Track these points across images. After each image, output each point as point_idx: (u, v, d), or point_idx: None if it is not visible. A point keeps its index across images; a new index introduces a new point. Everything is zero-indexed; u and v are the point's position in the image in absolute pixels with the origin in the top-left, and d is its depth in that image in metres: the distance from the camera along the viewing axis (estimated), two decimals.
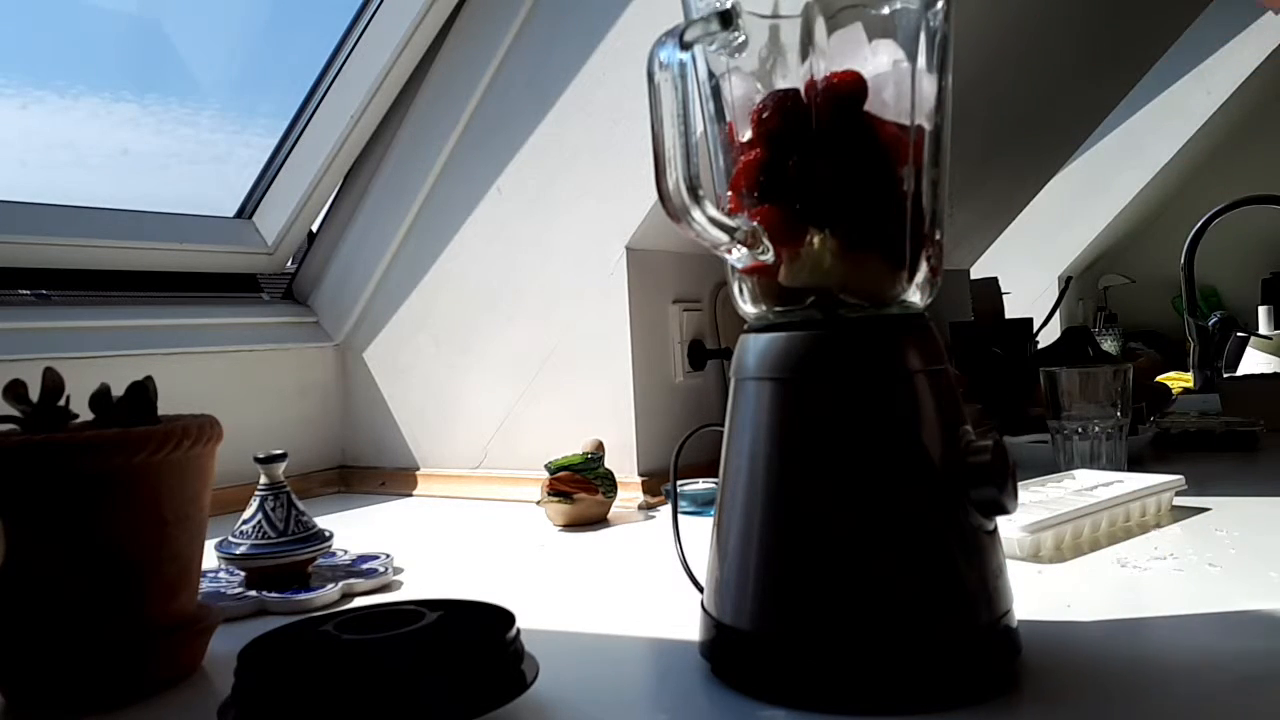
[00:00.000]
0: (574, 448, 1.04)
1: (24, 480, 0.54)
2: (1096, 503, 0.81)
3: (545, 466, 1.01)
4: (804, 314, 0.54)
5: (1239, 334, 1.41)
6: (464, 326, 1.29)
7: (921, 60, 0.53)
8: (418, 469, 1.33)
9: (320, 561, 0.82)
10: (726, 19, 0.50)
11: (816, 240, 0.52)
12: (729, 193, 0.55)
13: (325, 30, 1.30)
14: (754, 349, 0.54)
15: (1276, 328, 2.20)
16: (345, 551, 0.87)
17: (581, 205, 1.18)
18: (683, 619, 0.59)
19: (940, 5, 0.53)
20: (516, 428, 1.25)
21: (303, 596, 0.75)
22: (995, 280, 1.81)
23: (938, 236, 0.55)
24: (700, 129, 0.54)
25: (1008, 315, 1.78)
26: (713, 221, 0.50)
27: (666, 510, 0.79)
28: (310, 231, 1.44)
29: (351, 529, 1.05)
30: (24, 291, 1.15)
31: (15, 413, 0.58)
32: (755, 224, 0.52)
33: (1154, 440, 1.25)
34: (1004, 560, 0.53)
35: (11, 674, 0.55)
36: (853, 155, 0.53)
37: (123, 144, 1.31)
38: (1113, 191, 2.73)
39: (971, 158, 1.66)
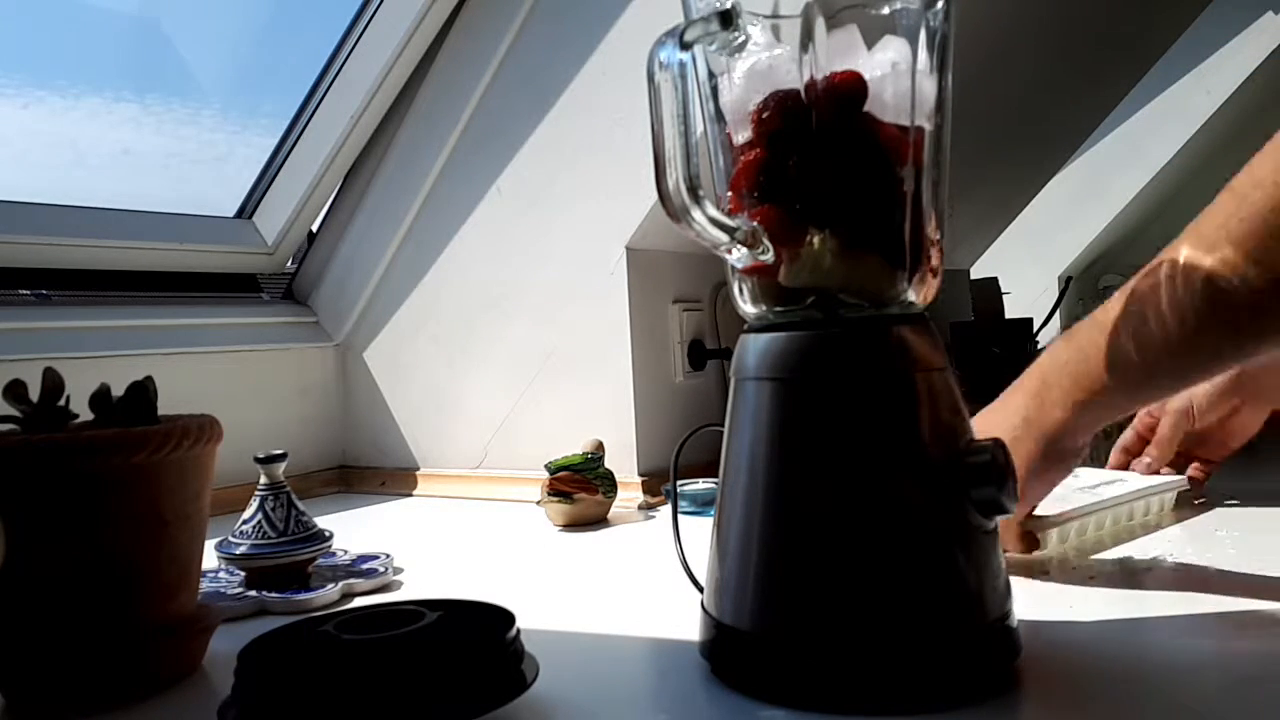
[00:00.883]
0: (574, 448, 1.04)
1: (24, 480, 0.54)
2: (1097, 501, 0.81)
3: (545, 466, 1.01)
4: (804, 314, 0.54)
5: None
6: (464, 326, 1.29)
7: (922, 60, 0.53)
8: (418, 469, 1.33)
9: (320, 561, 0.82)
10: (726, 19, 0.50)
11: (817, 240, 0.52)
12: (729, 193, 0.55)
13: (326, 29, 1.30)
14: (754, 349, 0.54)
15: None
16: (345, 551, 0.87)
17: (581, 205, 1.18)
18: (683, 619, 0.59)
19: (940, 5, 0.53)
20: (516, 428, 1.25)
21: (303, 596, 0.75)
22: (995, 280, 1.81)
23: (938, 236, 0.55)
24: (700, 129, 0.54)
25: (1008, 315, 1.78)
26: (713, 221, 0.50)
27: (666, 510, 0.79)
28: (310, 231, 1.44)
29: (351, 529, 1.05)
30: (24, 291, 1.15)
31: (15, 413, 0.58)
32: (755, 224, 0.52)
33: None
34: (1003, 560, 0.53)
35: (11, 674, 0.55)
36: (853, 155, 0.53)
37: (123, 144, 1.31)
38: (1113, 191, 2.72)
39: (972, 158, 1.66)
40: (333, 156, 1.32)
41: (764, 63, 0.53)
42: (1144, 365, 0.59)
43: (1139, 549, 0.77)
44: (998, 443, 0.51)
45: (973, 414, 0.56)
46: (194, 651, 0.61)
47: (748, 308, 0.56)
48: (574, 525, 0.99)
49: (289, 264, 1.46)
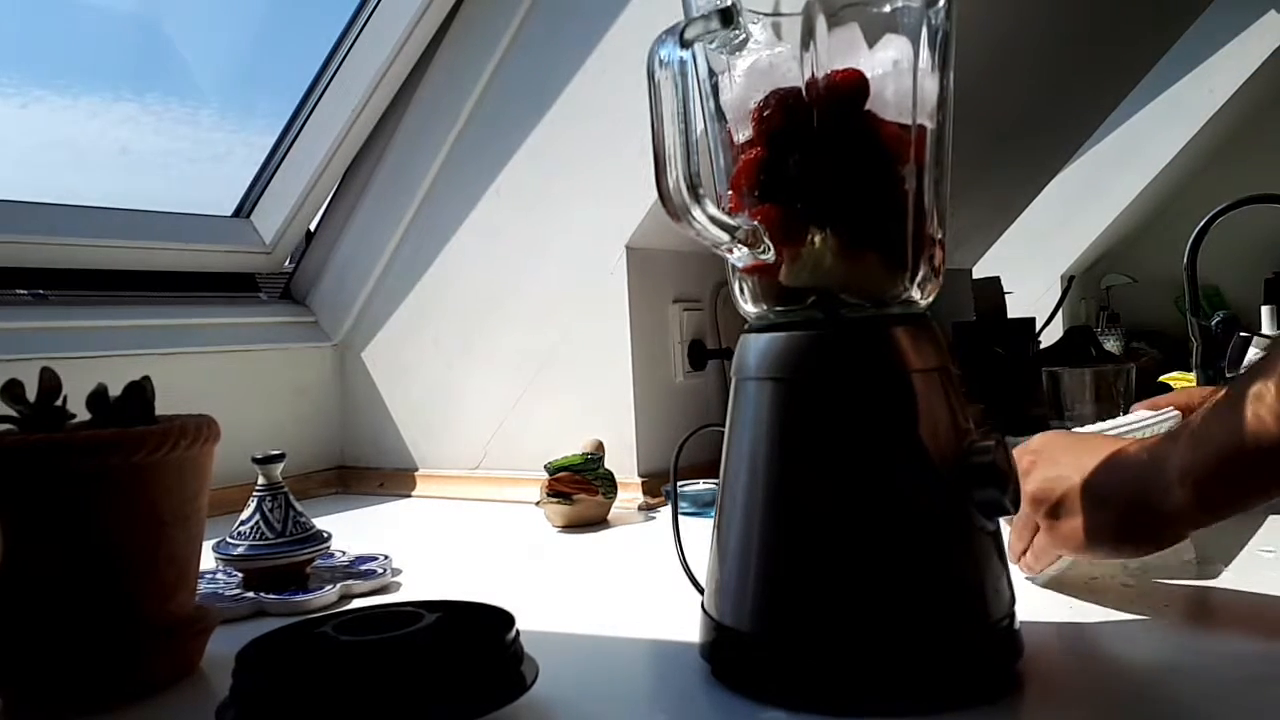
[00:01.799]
0: (574, 448, 1.04)
1: (21, 480, 0.54)
2: None
3: (545, 467, 1.01)
4: (805, 314, 0.53)
5: (1242, 334, 1.40)
6: (463, 326, 1.29)
7: (923, 58, 0.52)
8: (417, 469, 1.33)
9: (318, 562, 0.82)
10: (727, 17, 0.50)
11: (817, 239, 0.52)
12: (729, 192, 0.55)
13: (324, 28, 1.30)
14: (755, 349, 0.53)
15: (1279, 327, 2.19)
16: (344, 552, 0.86)
17: (581, 205, 1.17)
18: (683, 620, 0.59)
19: (942, 3, 0.53)
20: (516, 428, 1.24)
21: (301, 598, 0.75)
22: (997, 280, 1.80)
23: (939, 236, 0.55)
24: (701, 127, 0.54)
25: (1010, 315, 1.78)
26: (713, 221, 0.50)
27: (667, 511, 0.79)
28: (308, 230, 1.43)
29: (350, 530, 1.04)
30: (21, 291, 1.15)
31: (12, 413, 0.58)
32: (756, 223, 0.51)
33: None
34: (1006, 561, 0.53)
35: (9, 674, 0.55)
36: (854, 154, 0.52)
37: (122, 143, 1.30)
38: (1115, 191, 2.72)
39: (974, 157, 1.66)
40: (331, 155, 1.32)
41: (765, 61, 0.52)
42: None
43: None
44: (999, 443, 0.51)
45: (975, 414, 0.56)
46: (192, 653, 0.60)
47: (748, 307, 0.56)
48: (574, 526, 0.99)
49: (287, 263, 1.46)
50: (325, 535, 0.81)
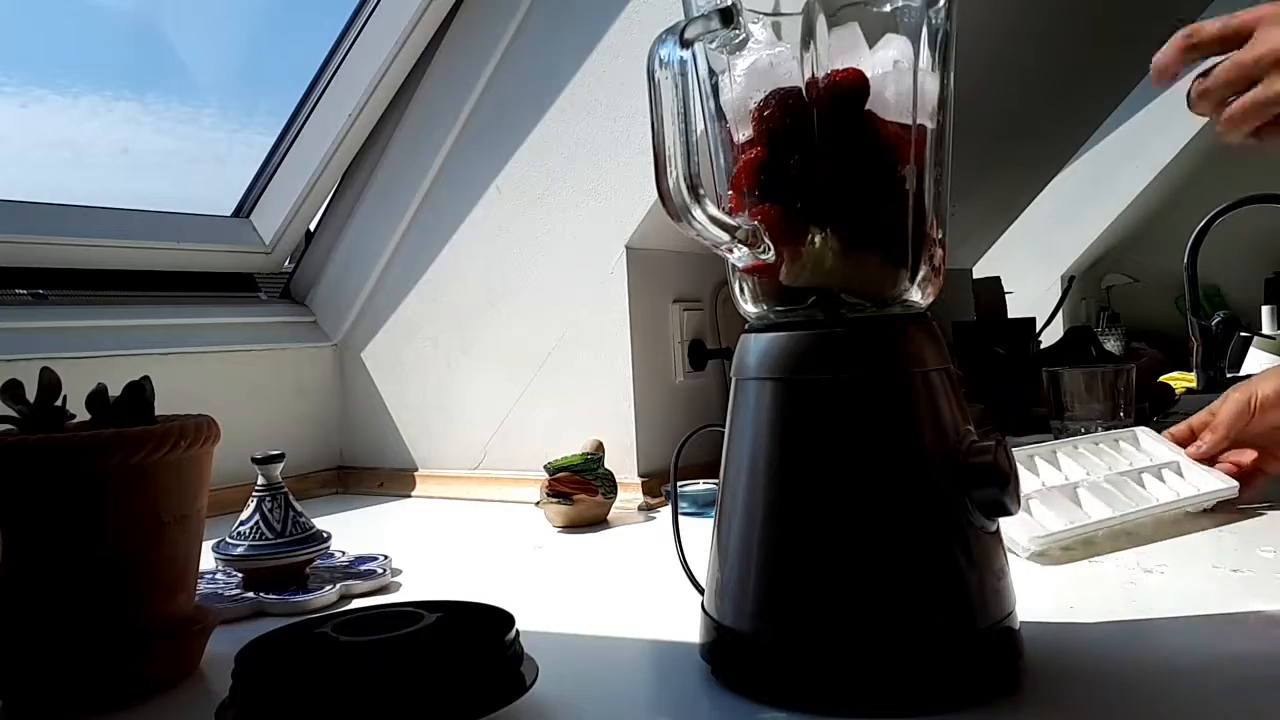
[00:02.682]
0: (574, 448, 1.04)
1: (21, 481, 0.54)
2: (1117, 516, 0.78)
3: (545, 467, 1.01)
4: (805, 313, 0.53)
5: (1242, 334, 1.40)
6: (463, 326, 1.29)
7: (924, 58, 0.52)
8: (416, 470, 1.33)
9: (318, 563, 0.82)
10: (727, 16, 0.50)
11: (818, 239, 0.52)
12: (729, 191, 0.55)
13: (324, 27, 1.30)
14: (755, 349, 0.53)
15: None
16: (343, 553, 0.86)
17: (581, 205, 1.17)
18: (683, 621, 0.59)
19: (942, 2, 0.53)
20: (516, 428, 1.24)
21: (301, 598, 0.75)
22: (998, 280, 1.81)
23: (940, 236, 0.55)
24: (701, 127, 0.54)
25: (1010, 315, 1.78)
26: (713, 220, 0.49)
27: (667, 511, 0.79)
28: (308, 230, 1.43)
29: (350, 530, 1.04)
30: (21, 291, 1.15)
31: (12, 413, 0.58)
32: (756, 223, 0.51)
33: None
34: (1006, 561, 0.53)
35: (9, 674, 0.55)
36: (854, 154, 0.52)
37: (122, 142, 1.30)
38: (1115, 190, 2.72)
39: (974, 157, 1.66)
40: (330, 155, 1.32)
41: (765, 60, 0.52)
42: None
43: (1141, 550, 0.76)
44: (999, 443, 0.51)
45: (975, 414, 0.55)
46: (192, 653, 0.60)
47: (748, 307, 0.56)
48: (573, 526, 0.99)
49: (286, 263, 1.46)
50: (325, 535, 0.81)
